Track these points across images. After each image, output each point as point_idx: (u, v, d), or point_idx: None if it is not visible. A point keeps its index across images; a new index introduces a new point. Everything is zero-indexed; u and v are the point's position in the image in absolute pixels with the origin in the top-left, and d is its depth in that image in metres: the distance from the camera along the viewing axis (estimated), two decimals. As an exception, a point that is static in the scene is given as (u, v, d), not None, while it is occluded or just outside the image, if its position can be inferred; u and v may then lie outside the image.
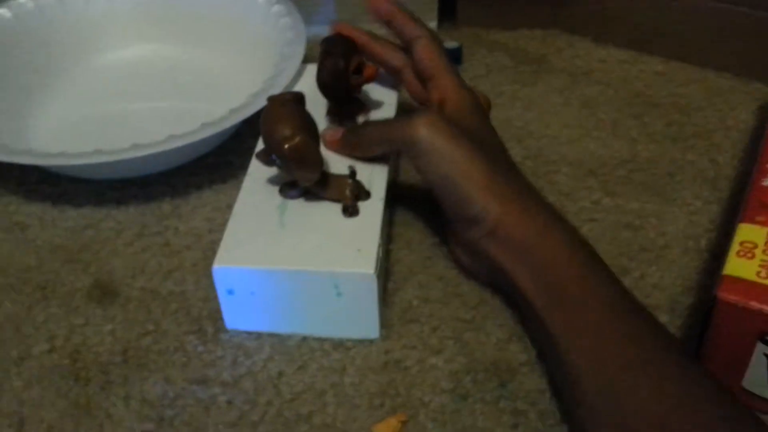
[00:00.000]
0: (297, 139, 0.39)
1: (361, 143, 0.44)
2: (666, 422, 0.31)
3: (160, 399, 0.38)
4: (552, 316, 0.36)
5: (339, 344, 0.40)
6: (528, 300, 0.37)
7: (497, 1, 0.64)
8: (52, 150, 0.49)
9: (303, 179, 0.41)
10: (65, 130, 0.55)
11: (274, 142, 0.40)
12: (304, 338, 0.41)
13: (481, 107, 0.45)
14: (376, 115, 0.48)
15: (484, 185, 0.39)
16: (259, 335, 0.41)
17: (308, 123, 0.41)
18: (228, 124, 0.48)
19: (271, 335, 0.41)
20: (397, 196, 0.47)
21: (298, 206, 0.42)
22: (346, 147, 0.44)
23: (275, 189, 0.43)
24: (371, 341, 0.40)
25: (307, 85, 0.50)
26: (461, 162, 0.39)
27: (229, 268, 0.39)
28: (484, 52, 0.63)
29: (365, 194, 0.42)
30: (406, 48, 0.47)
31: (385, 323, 0.41)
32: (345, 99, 0.47)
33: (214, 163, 0.52)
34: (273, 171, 0.43)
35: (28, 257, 0.46)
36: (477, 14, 0.65)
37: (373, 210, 0.41)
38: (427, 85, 0.46)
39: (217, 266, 0.39)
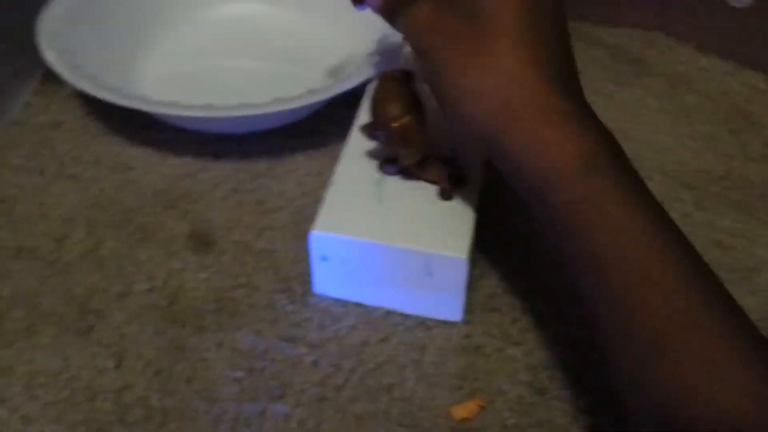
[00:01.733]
0: (405, 119, 0.40)
1: None
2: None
3: (250, 350, 0.40)
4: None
5: (421, 322, 0.42)
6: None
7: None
8: (157, 97, 0.50)
9: (405, 158, 0.42)
10: (169, 79, 0.57)
11: (383, 118, 0.41)
12: (388, 312, 0.42)
13: None
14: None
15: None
16: (344, 303, 0.43)
17: (417, 103, 0.42)
18: (333, 92, 0.49)
19: (357, 305, 0.43)
20: (491, 183, 0.48)
21: (396, 183, 0.43)
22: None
23: (374, 163, 0.44)
24: (453, 324, 0.42)
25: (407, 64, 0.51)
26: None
27: (326, 235, 0.40)
28: (583, 46, 0.62)
29: (462, 180, 0.43)
30: None
31: (467, 308, 0.42)
32: None
33: (309, 128, 0.54)
34: (373, 144, 0.44)
35: (131, 198, 0.48)
36: (579, 6, 0.65)
37: (469, 195, 0.42)
38: None
39: (314, 231, 0.40)
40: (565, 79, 0.34)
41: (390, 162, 0.44)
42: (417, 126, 0.41)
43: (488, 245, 0.46)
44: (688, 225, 0.47)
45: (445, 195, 0.42)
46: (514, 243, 0.46)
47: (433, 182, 0.43)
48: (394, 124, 0.40)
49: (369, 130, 0.43)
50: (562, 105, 0.33)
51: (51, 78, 0.56)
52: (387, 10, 0.40)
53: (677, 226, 0.33)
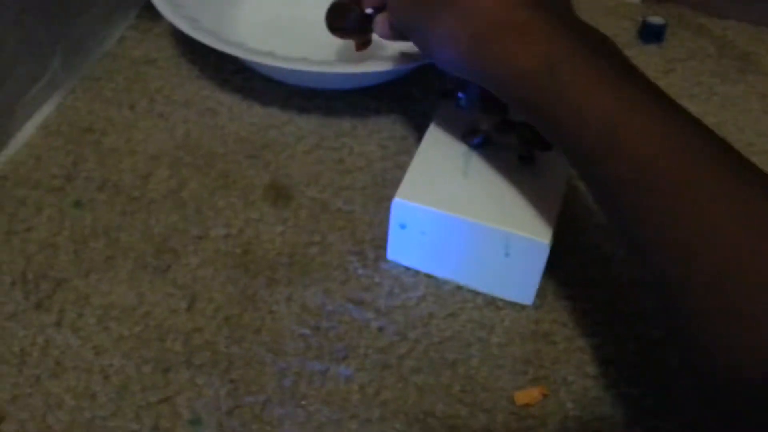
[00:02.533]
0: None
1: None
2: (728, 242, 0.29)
3: (318, 309, 0.40)
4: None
5: (491, 301, 0.41)
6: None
7: (714, -18, 0.61)
8: (249, 45, 0.50)
9: (485, 121, 0.41)
10: (264, 27, 0.56)
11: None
12: (459, 287, 0.42)
13: None
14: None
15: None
16: (416, 273, 0.42)
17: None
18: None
19: (428, 276, 0.42)
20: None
21: (483, 159, 0.42)
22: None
23: (459, 138, 0.44)
24: (523, 307, 0.41)
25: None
26: None
27: (408, 204, 0.40)
28: (688, 35, 0.60)
29: (542, 144, 0.41)
30: None
31: (539, 293, 0.41)
32: None
33: (395, 91, 0.53)
34: (459, 118, 0.44)
35: (216, 143, 0.49)
36: (688, -7, 0.62)
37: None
38: None
39: (397, 199, 0.40)
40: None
41: (472, 132, 0.43)
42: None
43: (569, 231, 0.45)
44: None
45: (525, 158, 0.41)
46: (595, 232, 0.45)
47: (515, 146, 0.42)
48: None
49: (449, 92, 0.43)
50: (524, 21, 0.35)
51: (146, 15, 0.57)
52: (394, 32, 0.43)
53: (662, 99, 0.33)
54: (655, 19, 0.59)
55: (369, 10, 0.46)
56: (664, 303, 0.32)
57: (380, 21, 0.44)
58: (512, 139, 0.42)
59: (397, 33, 0.43)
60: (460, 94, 0.43)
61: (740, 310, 0.28)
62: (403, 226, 0.41)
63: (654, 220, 0.31)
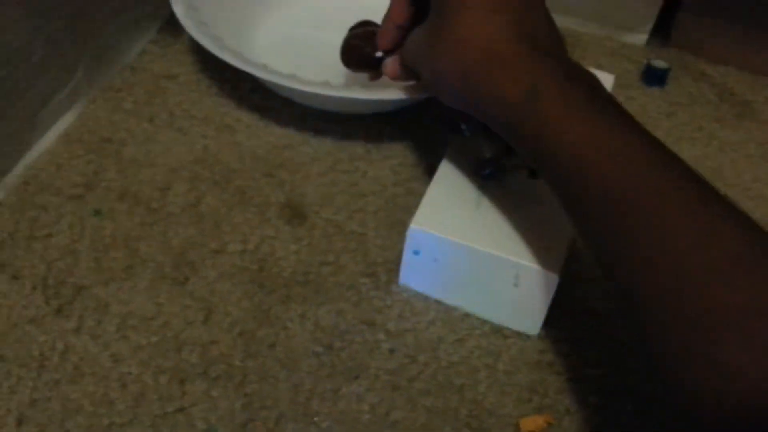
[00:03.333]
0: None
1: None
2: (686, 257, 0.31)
3: (331, 328, 0.41)
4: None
5: (498, 330, 0.43)
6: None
7: (715, 30, 0.63)
8: (271, 65, 0.52)
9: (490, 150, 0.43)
10: (283, 49, 0.58)
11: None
12: (467, 314, 0.43)
13: None
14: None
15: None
16: (426, 298, 0.44)
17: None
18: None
19: (437, 302, 0.44)
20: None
21: (497, 191, 0.44)
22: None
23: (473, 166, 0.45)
24: (528, 337, 0.42)
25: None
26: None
27: (423, 232, 0.41)
28: (689, 80, 0.62)
29: None
30: None
31: (545, 322, 0.43)
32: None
33: (409, 118, 0.54)
34: (470, 148, 0.45)
35: (233, 160, 0.50)
36: (691, 38, 0.64)
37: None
38: None
39: (413, 226, 0.41)
40: (517, 28, 0.39)
41: (480, 163, 0.44)
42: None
43: (577, 262, 0.46)
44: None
45: (537, 174, 0.43)
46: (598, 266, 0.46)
47: (523, 166, 0.43)
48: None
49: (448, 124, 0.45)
50: (512, 53, 0.38)
51: (167, 30, 0.58)
52: (404, 72, 0.46)
53: (639, 126, 0.35)
54: (659, 63, 0.61)
55: (379, 54, 0.48)
56: (629, 316, 0.34)
57: (390, 63, 0.47)
58: (520, 159, 0.43)
59: (405, 73, 0.46)
60: (462, 125, 0.44)
61: (700, 323, 0.30)
62: (416, 253, 0.42)
63: (620, 238, 0.33)
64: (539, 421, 0.38)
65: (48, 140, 0.49)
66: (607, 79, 0.52)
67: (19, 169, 0.47)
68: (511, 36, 0.38)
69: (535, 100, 0.36)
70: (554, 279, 0.40)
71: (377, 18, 0.48)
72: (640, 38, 0.65)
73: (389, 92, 0.49)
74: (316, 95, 0.49)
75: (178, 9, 0.52)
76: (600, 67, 0.56)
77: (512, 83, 0.37)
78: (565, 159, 0.35)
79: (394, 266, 0.44)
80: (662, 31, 0.65)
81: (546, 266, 0.40)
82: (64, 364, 0.38)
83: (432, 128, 0.54)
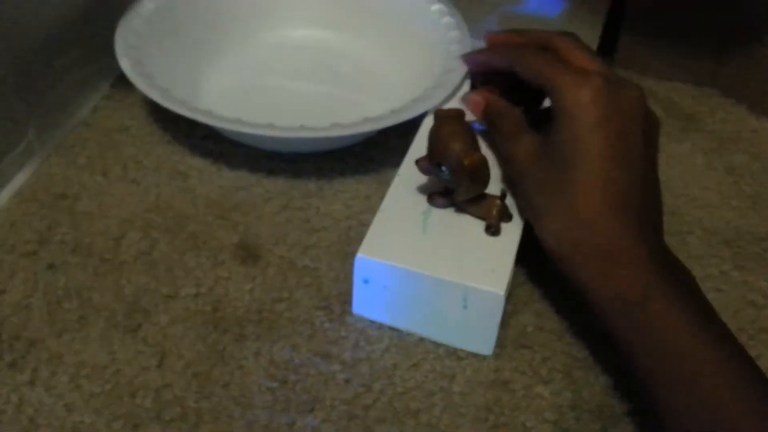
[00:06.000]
0: (476, 155, 0.42)
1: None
2: None
3: (286, 363, 0.42)
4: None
5: (452, 352, 0.43)
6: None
7: (658, 48, 0.65)
8: (220, 112, 0.53)
9: (468, 193, 0.43)
10: (230, 96, 0.59)
11: (452, 155, 0.42)
12: (421, 339, 0.43)
13: (640, 120, 0.42)
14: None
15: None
16: (380, 326, 0.44)
17: (476, 140, 0.43)
18: (390, 122, 0.51)
19: (392, 329, 0.44)
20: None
21: (442, 215, 0.45)
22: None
23: (422, 194, 0.46)
24: (483, 357, 0.43)
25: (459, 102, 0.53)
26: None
27: (371, 260, 0.42)
28: (635, 98, 0.63)
29: (509, 216, 0.44)
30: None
31: (498, 343, 0.43)
32: None
33: (359, 153, 0.55)
34: (422, 177, 0.46)
35: (186, 206, 0.51)
36: (636, 58, 0.66)
37: (512, 232, 0.44)
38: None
39: (360, 255, 0.42)
40: (638, 220, 0.40)
41: (440, 195, 0.45)
42: (486, 162, 0.42)
43: (525, 282, 0.47)
44: (724, 283, 0.48)
45: (492, 231, 0.43)
46: (550, 282, 0.47)
47: (481, 218, 0.44)
48: (466, 161, 0.41)
49: (426, 164, 0.44)
50: (629, 247, 0.38)
51: (120, 85, 0.59)
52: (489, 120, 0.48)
53: (735, 342, 0.37)
54: (604, 83, 0.63)
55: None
56: None
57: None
58: (481, 210, 0.44)
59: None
60: (443, 167, 0.43)
61: None
62: (366, 281, 0.43)
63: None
64: (494, 439, 0.38)
65: (1, 199, 0.50)
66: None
67: (-28, 230, 0.48)
68: (631, 230, 0.39)
69: (647, 302, 0.37)
70: (501, 298, 0.40)
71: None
72: (585, 61, 0.67)
73: (332, 129, 0.50)
74: (263, 137, 0.50)
75: (124, 63, 0.53)
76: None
77: (628, 279, 0.38)
78: (670, 369, 0.36)
79: (348, 298, 0.45)
80: (608, 52, 0.66)
81: (492, 286, 0.40)
82: (19, 417, 0.38)
83: (382, 161, 0.54)
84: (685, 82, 0.65)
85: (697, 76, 0.65)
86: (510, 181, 0.45)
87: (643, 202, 0.41)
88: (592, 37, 0.65)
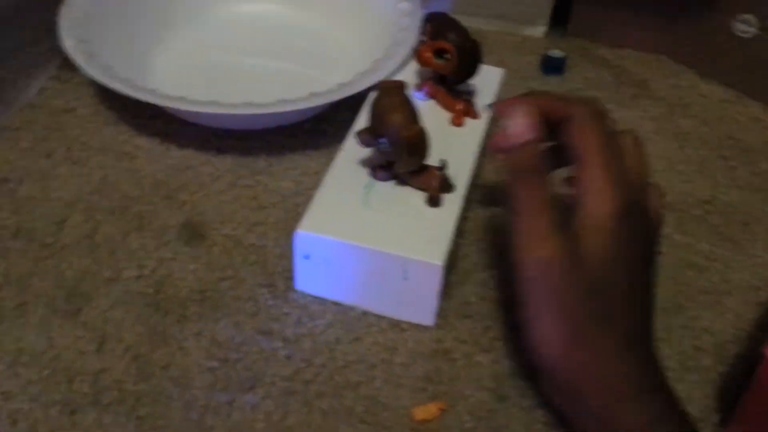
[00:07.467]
0: (416, 128, 0.41)
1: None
2: None
3: (227, 342, 0.42)
4: None
5: (395, 324, 0.43)
6: None
7: (610, 17, 0.65)
8: (168, 91, 0.52)
9: (407, 165, 0.43)
10: (180, 73, 0.58)
11: (391, 127, 0.42)
12: (364, 312, 0.44)
13: (645, 220, 0.38)
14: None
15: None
16: (323, 301, 0.44)
17: (417, 112, 0.43)
18: (336, 97, 0.50)
19: (335, 303, 0.44)
20: (475, 194, 0.50)
21: (384, 188, 0.44)
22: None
23: (365, 168, 0.46)
24: (425, 328, 0.43)
25: (410, 73, 0.53)
26: None
27: (310, 235, 0.42)
28: (587, 66, 0.63)
29: (450, 187, 0.44)
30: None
31: (441, 313, 0.43)
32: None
33: (309, 128, 0.55)
34: (367, 150, 0.46)
35: (132, 187, 0.50)
36: (588, 27, 0.66)
37: (452, 203, 0.44)
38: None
39: (299, 231, 0.42)
40: (638, 347, 0.36)
41: (383, 168, 0.45)
42: (425, 134, 0.42)
43: (468, 254, 0.47)
44: (666, 246, 0.48)
45: (434, 202, 0.43)
46: (492, 253, 0.47)
47: (422, 189, 0.44)
48: (406, 133, 0.41)
49: (367, 137, 0.44)
50: (632, 378, 0.35)
51: (67, 66, 0.58)
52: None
53: None
54: (555, 53, 0.62)
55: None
56: None
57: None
58: (421, 182, 0.44)
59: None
60: (382, 140, 0.42)
61: None
62: (307, 257, 0.43)
63: None
64: (432, 409, 0.39)
65: (-58, 186, 0.49)
66: (497, 74, 0.53)
67: None
68: (632, 359, 0.36)
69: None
70: (439, 269, 0.40)
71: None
72: (539, 30, 0.66)
73: (279, 105, 0.50)
74: (209, 114, 0.50)
75: (68, 43, 0.52)
76: (502, 62, 0.57)
77: (632, 417, 0.35)
78: None
79: (292, 274, 0.45)
80: (561, 22, 0.66)
81: (431, 257, 0.40)
82: (-45, 406, 0.38)
83: (332, 135, 0.54)
84: (638, 50, 0.65)
85: (649, 42, 0.64)
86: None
87: (644, 324, 0.37)
88: (544, 6, 0.65)
